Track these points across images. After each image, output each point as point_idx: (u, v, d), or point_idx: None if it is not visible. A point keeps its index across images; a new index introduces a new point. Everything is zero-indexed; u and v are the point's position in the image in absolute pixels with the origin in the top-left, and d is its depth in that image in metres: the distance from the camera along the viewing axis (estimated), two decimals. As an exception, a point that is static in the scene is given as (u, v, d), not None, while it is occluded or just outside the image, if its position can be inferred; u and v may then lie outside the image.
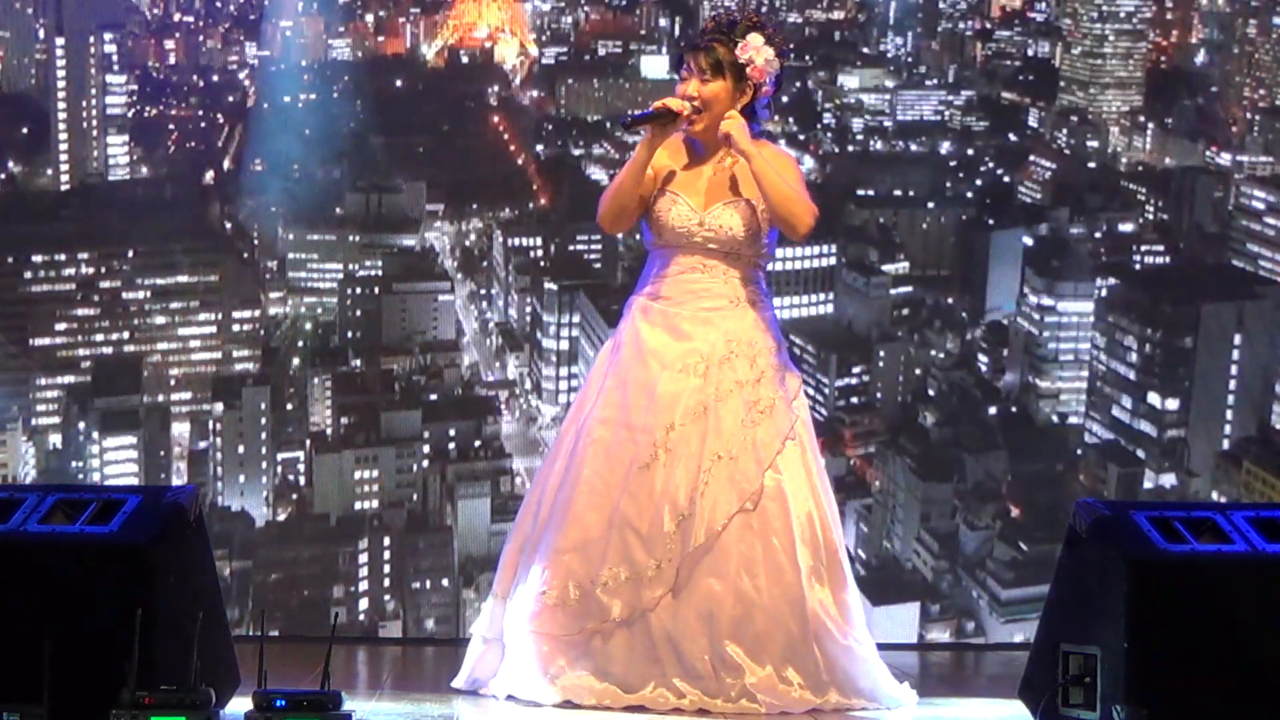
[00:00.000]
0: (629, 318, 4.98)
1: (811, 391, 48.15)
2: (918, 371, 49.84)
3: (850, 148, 54.21)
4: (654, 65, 55.39)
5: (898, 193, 51.90)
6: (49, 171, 50.44)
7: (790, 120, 53.65)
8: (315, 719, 4.07)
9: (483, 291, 52.87)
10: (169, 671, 4.16)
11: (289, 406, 47.84)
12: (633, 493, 4.82)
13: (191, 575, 4.54)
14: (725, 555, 4.74)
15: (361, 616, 42.37)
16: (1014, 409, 48.91)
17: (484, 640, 4.96)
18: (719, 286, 4.87)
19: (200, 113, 52.23)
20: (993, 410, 48.41)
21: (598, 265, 47.54)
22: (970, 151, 53.44)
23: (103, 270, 48.13)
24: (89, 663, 4.21)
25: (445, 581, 43.13)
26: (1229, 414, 45.69)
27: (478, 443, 47.08)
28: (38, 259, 47.25)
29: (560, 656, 4.79)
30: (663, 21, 55.69)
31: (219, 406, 46.36)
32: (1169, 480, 45.31)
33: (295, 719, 4.07)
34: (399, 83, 53.88)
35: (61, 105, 49.79)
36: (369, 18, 54.78)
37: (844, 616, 4.84)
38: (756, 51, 4.84)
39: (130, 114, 50.82)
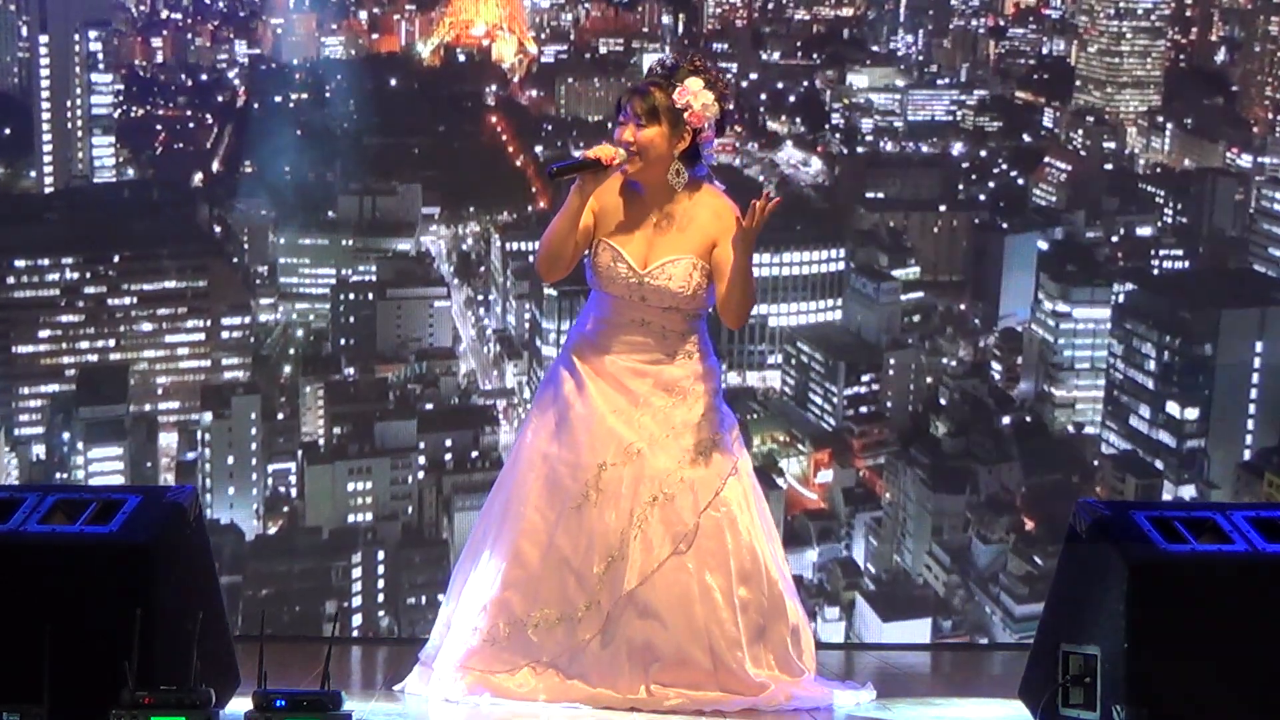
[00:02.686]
0: (571, 356, 5.12)
1: (819, 400, 48.31)
2: (929, 380, 50.00)
3: (859, 149, 54.47)
4: (657, 64, 55.61)
5: (908, 196, 52.09)
6: (32, 173, 50.64)
7: (797, 121, 53.88)
8: (315, 719, 4.18)
9: (480, 297, 53.08)
10: (169, 671, 4.26)
11: (280, 416, 47.96)
12: (568, 529, 4.98)
13: (191, 575, 4.66)
14: (661, 596, 4.90)
15: (355, 632, 42.48)
16: (1028, 418, 49.06)
17: (426, 659, 5.12)
18: (656, 341, 5.00)
19: (189, 113, 52.44)
20: (1006, 420, 48.56)
21: (599, 270, 47.75)
22: (983, 153, 53.69)
23: (88, 275, 48.26)
24: (89, 663, 4.32)
25: (441, 597, 43.26)
26: (1250, 424, 45.81)
27: (475, 453, 47.20)
28: (20, 263, 47.40)
29: (492, 687, 4.96)
30: (665, 19, 55.90)
31: (208, 416, 46.51)
32: (1188, 492, 45.44)
33: (295, 719, 4.18)
34: (394, 82, 54.08)
35: (45, 105, 49.95)
36: (363, 15, 55.01)
37: (779, 648, 5.01)
38: (694, 96, 4.92)
39: (116, 114, 51.03)
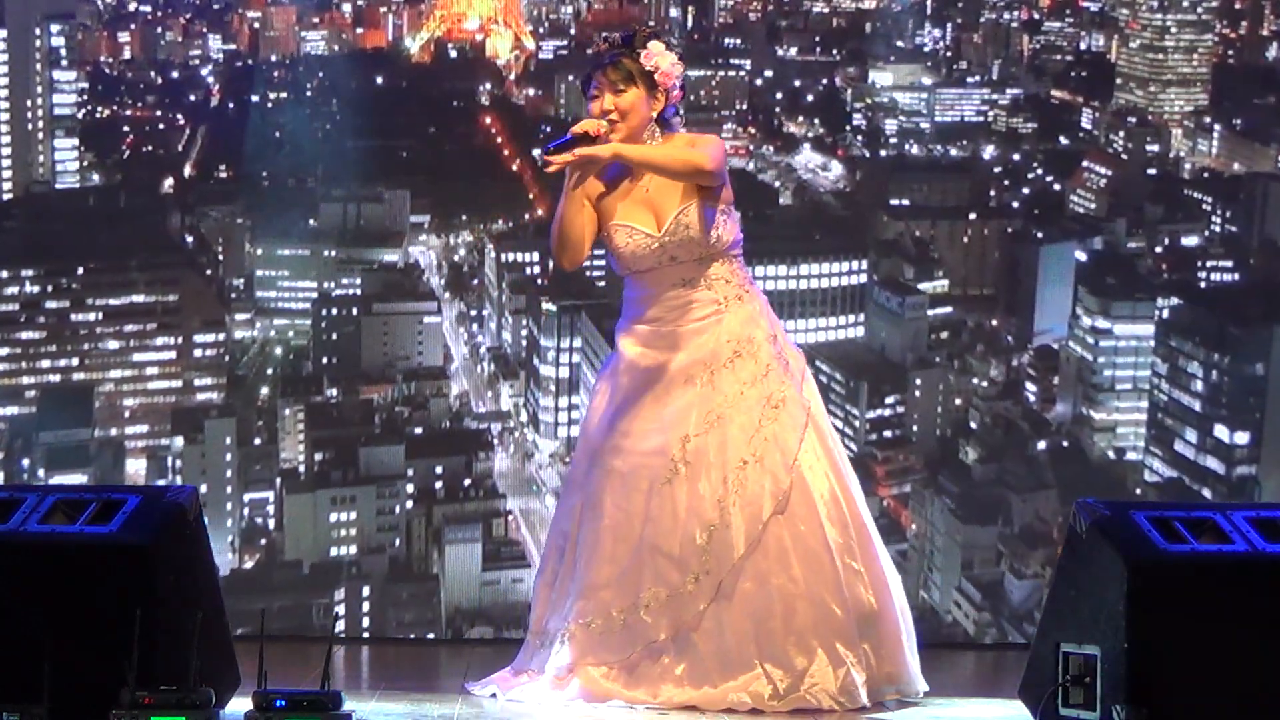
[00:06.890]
0: (621, 349, 5.55)
1: (840, 424, 48.44)
2: (958, 402, 50.05)
3: (883, 152, 54.53)
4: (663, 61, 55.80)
5: (935, 202, 52.23)
6: (-10, 179, 51.00)
7: (816, 122, 54.12)
8: (315, 719, 4.56)
9: (473, 312, 53.19)
10: (169, 671, 4.64)
11: (257, 441, 48.09)
12: (654, 517, 5.38)
13: (191, 575, 5.04)
14: (762, 555, 5.32)
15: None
16: (1065, 443, 49.03)
17: (519, 666, 5.52)
18: (703, 294, 5.42)
19: (159, 113, 52.69)
20: (1042, 445, 48.56)
21: (601, 283, 47.84)
22: (1016, 156, 53.73)
23: (49, 289, 48.51)
24: (89, 663, 4.69)
25: (431, 636, 43.32)
26: (1304, 448, 45.95)
27: (467, 481, 47.24)
28: (-23, 276, 47.77)
29: (613, 683, 5.35)
30: (673, 11, 56.18)
31: (179, 441, 46.62)
32: (1238, 521, 45.55)
33: (295, 719, 4.56)
34: (380, 80, 54.35)
35: (4, 105, 50.28)
36: (346, 8, 55.30)
37: (881, 589, 5.42)
38: (661, 56, 5.43)
39: (80, 115, 51.25)
